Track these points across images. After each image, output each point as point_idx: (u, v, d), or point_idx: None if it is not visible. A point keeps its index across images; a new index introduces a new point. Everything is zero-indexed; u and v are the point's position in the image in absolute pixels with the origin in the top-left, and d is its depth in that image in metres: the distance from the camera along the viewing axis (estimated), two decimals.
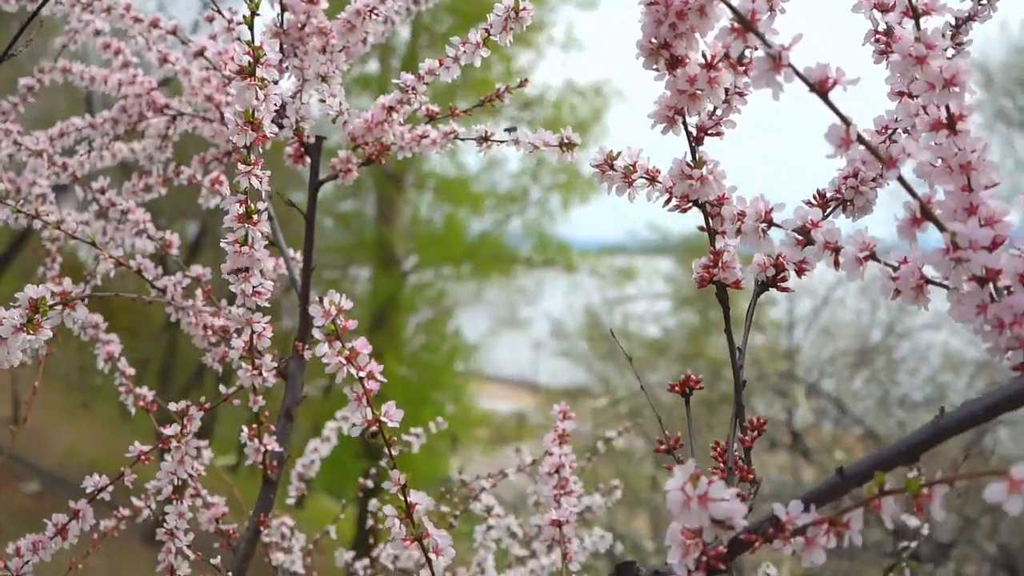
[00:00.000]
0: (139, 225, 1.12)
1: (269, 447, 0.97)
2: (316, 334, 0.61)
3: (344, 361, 0.62)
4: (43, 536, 0.90)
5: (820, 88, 0.51)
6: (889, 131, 0.69)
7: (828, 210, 0.68)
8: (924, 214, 0.52)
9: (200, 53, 1.07)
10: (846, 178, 0.68)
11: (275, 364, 0.92)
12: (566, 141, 0.84)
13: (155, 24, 1.10)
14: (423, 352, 11.36)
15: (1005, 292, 0.53)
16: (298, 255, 1.12)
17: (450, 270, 11.75)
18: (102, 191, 1.13)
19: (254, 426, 0.96)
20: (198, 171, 1.20)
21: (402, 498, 0.65)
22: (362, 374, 0.62)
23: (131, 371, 1.10)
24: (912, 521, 1.15)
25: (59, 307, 0.67)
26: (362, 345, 0.63)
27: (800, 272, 0.67)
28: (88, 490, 0.91)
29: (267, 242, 1.08)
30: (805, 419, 6.76)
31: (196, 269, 1.05)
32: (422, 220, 11.80)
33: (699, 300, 9.90)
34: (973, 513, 6.19)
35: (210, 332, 1.02)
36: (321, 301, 0.61)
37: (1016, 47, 8.64)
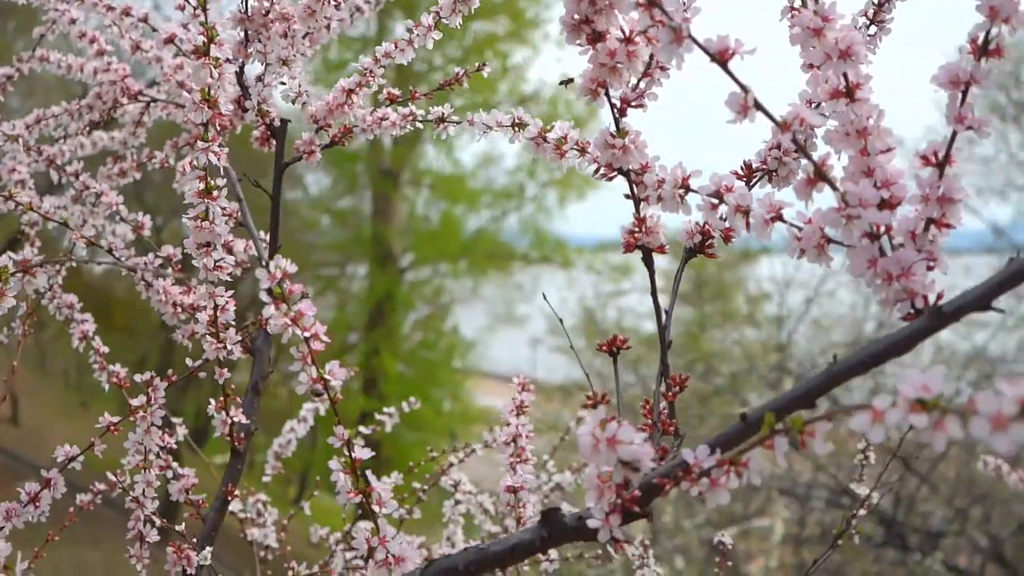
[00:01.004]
0: (112, 207, 1.15)
1: (236, 419, 1.00)
2: (263, 296, 0.65)
3: (290, 322, 0.65)
4: (16, 504, 0.94)
5: (720, 58, 0.54)
6: (812, 105, 0.72)
7: (753, 180, 0.72)
8: (818, 175, 0.55)
9: (170, 40, 1.10)
10: (770, 149, 0.72)
11: (239, 338, 0.95)
12: (517, 122, 0.88)
13: (127, 12, 1.13)
14: (420, 349, 11.40)
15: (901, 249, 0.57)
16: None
17: (447, 267, 11.80)
18: (76, 175, 1.16)
19: (221, 399, 1.00)
20: (171, 155, 1.24)
21: (347, 453, 0.69)
22: (307, 334, 0.65)
23: (105, 349, 1.14)
24: (861, 490, 1.19)
25: (19, 275, 0.70)
26: (307, 307, 0.66)
27: (727, 239, 0.71)
28: (59, 459, 0.95)
29: (237, 223, 1.12)
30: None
31: (167, 249, 1.09)
32: (418, 217, 11.84)
33: (694, 296, 9.96)
34: (963, 504, 6.25)
35: (179, 309, 1.06)
36: (267, 266, 0.64)
37: (1009, 40, 8.66)
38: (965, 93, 0.55)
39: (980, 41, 0.55)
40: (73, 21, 1.24)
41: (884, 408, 0.43)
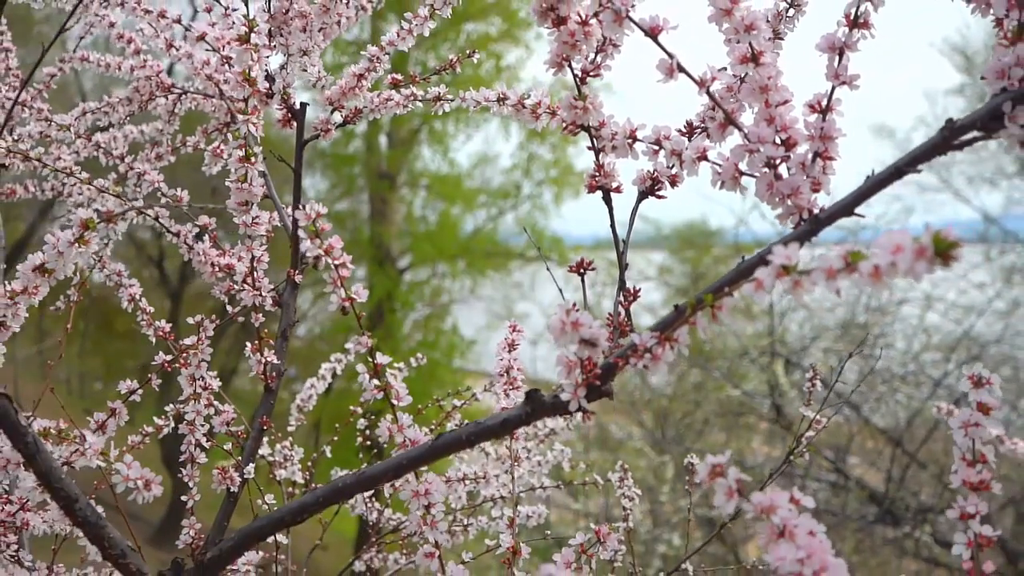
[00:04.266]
0: (154, 185, 1.32)
1: (269, 360, 1.17)
2: (300, 233, 0.82)
3: (323, 252, 0.82)
4: (87, 430, 1.10)
5: (652, 33, 0.71)
6: (738, 77, 0.89)
7: (694, 135, 0.89)
8: (728, 121, 0.72)
9: (201, 37, 1.27)
10: (707, 110, 0.89)
11: (272, 287, 1.12)
12: (501, 96, 1.04)
13: (163, 15, 1.30)
14: (421, 349, 11.56)
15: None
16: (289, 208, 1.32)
17: (445, 267, 11.96)
18: (121, 157, 1.33)
19: (256, 342, 1.17)
20: (202, 140, 1.41)
21: (370, 360, 0.86)
22: (337, 262, 0.82)
23: (151, 309, 1.30)
24: (807, 412, 1.35)
25: (104, 223, 0.87)
26: (336, 241, 0.83)
27: (673, 183, 0.88)
28: (122, 391, 1.11)
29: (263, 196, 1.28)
30: (792, 397, 6.97)
31: (203, 219, 1.26)
32: (416, 218, 12.02)
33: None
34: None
35: (216, 269, 1.23)
36: (304, 207, 0.81)
37: (996, 31, 8.83)
38: (841, 55, 0.72)
39: (852, 15, 0.72)
40: (112, 24, 1.41)
41: (763, 277, 0.60)
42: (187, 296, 10.51)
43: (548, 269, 1.12)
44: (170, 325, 1.28)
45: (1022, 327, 7.96)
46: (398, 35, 1.12)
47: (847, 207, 0.68)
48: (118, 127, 1.47)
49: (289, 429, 1.59)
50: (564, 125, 0.84)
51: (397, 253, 11.79)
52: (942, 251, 0.48)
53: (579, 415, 0.77)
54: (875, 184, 0.66)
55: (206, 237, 1.26)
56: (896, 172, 0.66)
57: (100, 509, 0.85)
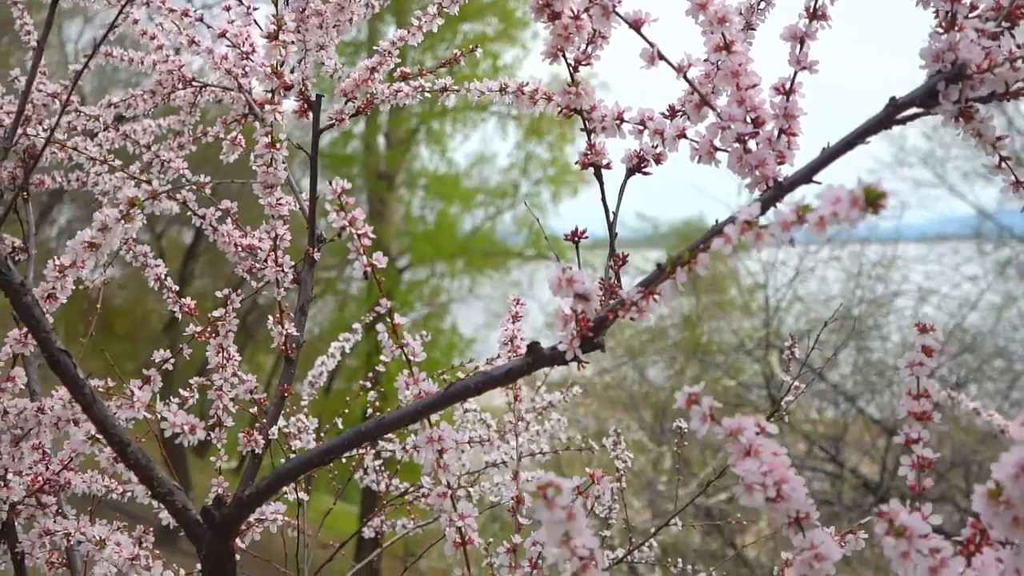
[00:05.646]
0: (179, 172, 1.42)
1: (289, 331, 1.27)
2: (327, 207, 0.91)
3: (347, 224, 0.92)
4: (122, 397, 1.20)
5: (636, 25, 0.81)
6: (714, 63, 0.99)
7: (675, 117, 0.99)
8: (703, 102, 0.82)
9: (222, 34, 1.36)
10: (686, 94, 0.99)
11: (293, 264, 1.22)
12: (503, 86, 1.15)
13: (185, 13, 1.40)
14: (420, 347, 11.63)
15: None
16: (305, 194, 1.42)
17: (444, 266, 12.06)
18: (148, 146, 1.43)
19: (278, 315, 1.27)
20: (221, 130, 1.50)
21: (389, 320, 0.96)
22: (359, 232, 0.92)
23: (176, 287, 1.40)
24: (786, 378, 1.45)
25: (149, 200, 0.97)
26: (359, 213, 0.93)
27: (657, 161, 0.98)
28: (156, 360, 1.21)
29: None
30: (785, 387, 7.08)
31: (225, 203, 1.35)
32: (414, 218, 12.11)
33: (690, 286, 10.23)
34: (943, 468, 6.53)
35: (239, 249, 1.33)
36: (330, 183, 0.91)
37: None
38: (802, 43, 0.82)
39: (811, 8, 0.82)
40: (136, 21, 1.50)
41: (731, 233, 0.70)
42: (187, 297, 10.59)
43: (555, 255, 1.22)
44: (194, 301, 1.37)
45: (1015, 320, 8.08)
46: (408, 31, 1.22)
47: (805, 176, 0.78)
48: (140, 119, 1.56)
49: (303, 403, 1.69)
50: (559, 109, 0.93)
51: (396, 253, 11.89)
52: (872, 200, 0.58)
53: (575, 366, 0.87)
54: (830, 155, 0.76)
55: (228, 220, 1.36)
56: (847, 144, 0.76)
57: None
